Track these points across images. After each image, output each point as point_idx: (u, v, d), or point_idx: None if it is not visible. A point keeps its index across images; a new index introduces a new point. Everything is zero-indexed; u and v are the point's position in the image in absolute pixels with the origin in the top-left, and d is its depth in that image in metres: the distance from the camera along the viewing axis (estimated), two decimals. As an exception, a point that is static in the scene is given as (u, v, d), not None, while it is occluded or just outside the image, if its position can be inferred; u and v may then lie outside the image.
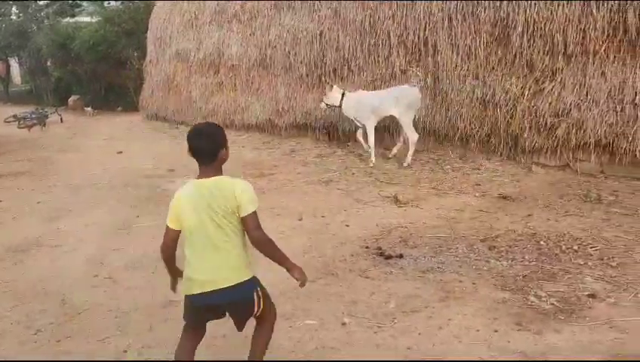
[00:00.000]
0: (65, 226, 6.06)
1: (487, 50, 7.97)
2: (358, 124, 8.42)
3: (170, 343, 3.64)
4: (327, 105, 8.51)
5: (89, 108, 17.00)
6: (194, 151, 2.74)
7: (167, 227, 2.80)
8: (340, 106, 8.36)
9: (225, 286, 2.70)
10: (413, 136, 8.02)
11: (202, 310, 2.83)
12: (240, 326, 2.94)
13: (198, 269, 2.74)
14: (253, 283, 2.81)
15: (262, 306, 2.84)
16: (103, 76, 17.77)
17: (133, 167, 8.86)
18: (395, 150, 8.47)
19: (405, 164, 8.05)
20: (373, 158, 8.21)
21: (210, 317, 2.92)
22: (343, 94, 8.36)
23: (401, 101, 7.92)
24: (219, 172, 2.76)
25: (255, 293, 2.80)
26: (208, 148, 2.73)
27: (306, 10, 10.22)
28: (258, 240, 2.73)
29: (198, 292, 2.72)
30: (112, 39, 16.69)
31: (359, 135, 8.46)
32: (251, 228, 2.71)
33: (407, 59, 8.90)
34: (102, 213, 6.53)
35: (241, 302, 2.81)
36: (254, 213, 2.70)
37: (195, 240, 2.73)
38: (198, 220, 2.69)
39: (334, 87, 8.58)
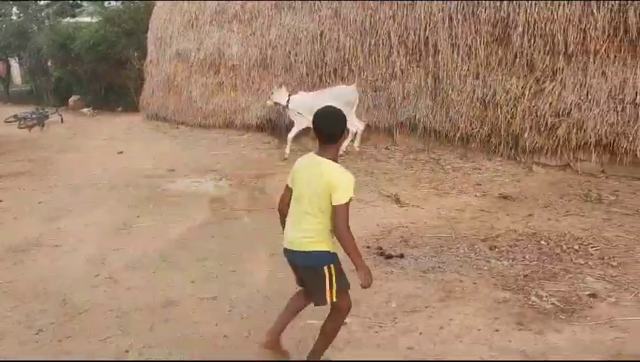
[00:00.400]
0: (65, 226, 6.06)
1: (487, 50, 7.96)
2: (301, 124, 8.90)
3: (171, 343, 3.65)
4: (274, 103, 9.20)
5: (86, 109, 16.94)
6: (318, 130, 2.99)
7: (286, 185, 3.16)
8: (287, 106, 8.99)
9: (300, 249, 3.01)
10: (360, 126, 8.94)
11: (289, 263, 3.15)
12: (309, 297, 3.18)
13: (289, 228, 3.09)
14: (326, 257, 2.99)
15: (333, 290, 2.98)
16: (104, 76, 17.74)
17: (133, 167, 8.86)
18: (343, 147, 8.90)
19: (356, 145, 8.99)
20: (287, 151, 8.92)
21: (297, 276, 3.20)
22: (289, 95, 9.08)
23: (339, 100, 7.88)
24: (334, 155, 3.00)
25: (326, 267, 2.97)
26: (331, 131, 3.00)
27: (306, 10, 10.21)
28: (338, 231, 2.91)
29: (285, 246, 3.09)
30: (113, 39, 16.67)
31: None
32: (337, 218, 2.90)
33: (407, 59, 8.90)
34: (102, 213, 6.53)
35: (311, 269, 3.04)
36: (344, 205, 2.87)
37: (295, 203, 3.07)
38: (299, 189, 3.03)
39: (283, 87, 9.26)
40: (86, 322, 3.96)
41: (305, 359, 3.32)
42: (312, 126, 3.03)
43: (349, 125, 8.48)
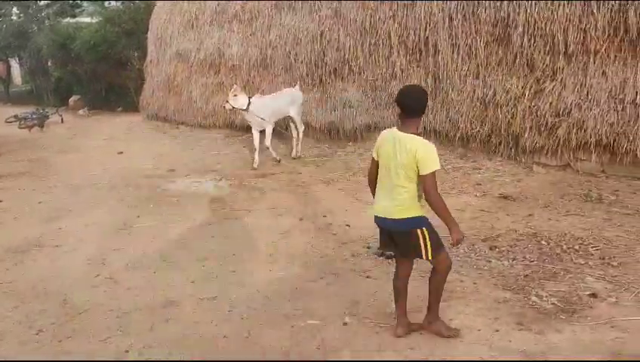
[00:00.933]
0: (65, 226, 6.06)
1: (487, 49, 7.95)
2: (259, 128, 8.66)
3: (171, 343, 3.65)
4: (233, 107, 8.55)
5: (82, 110, 16.72)
6: (403, 105, 3.31)
7: (372, 158, 3.52)
8: (247, 110, 8.48)
9: (392, 217, 3.35)
10: (302, 128, 9.10)
11: (380, 230, 3.54)
12: (404, 264, 3.56)
13: (378, 198, 3.48)
14: (416, 221, 3.32)
15: (428, 248, 3.31)
16: (104, 76, 17.71)
17: (133, 167, 8.86)
18: (296, 150, 9.15)
19: (297, 155, 9.05)
20: (257, 159, 8.60)
21: (390, 241, 3.53)
22: (249, 98, 8.59)
23: (291, 100, 8.84)
24: (415, 129, 3.29)
25: (419, 230, 3.30)
26: (414, 106, 3.30)
27: (306, 10, 10.20)
28: (428, 197, 3.23)
29: (376, 215, 3.46)
30: (113, 39, 16.65)
31: (257, 142, 8.65)
32: (426, 186, 3.21)
33: (407, 59, 8.88)
34: (102, 213, 6.53)
35: (405, 233, 3.37)
36: (432, 173, 3.18)
37: (381, 175, 3.42)
38: (385, 161, 3.36)
39: (243, 91, 8.84)
40: (86, 322, 3.96)
41: (306, 359, 3.33)
42: (396, 101, 3.35)
43: (299, 126, 9.03)
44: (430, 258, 3.35)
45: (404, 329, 3.56)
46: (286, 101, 8.84)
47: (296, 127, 9.09)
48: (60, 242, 5.59)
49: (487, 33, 7.90)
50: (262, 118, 8.50)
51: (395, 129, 3.35)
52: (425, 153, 3.18)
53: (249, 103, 8.43)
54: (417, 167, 3.19)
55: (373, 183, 3.55)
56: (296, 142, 9.15)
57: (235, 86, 8.83)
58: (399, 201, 3.30)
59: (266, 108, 8.55)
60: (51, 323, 3.96)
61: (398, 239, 3.45)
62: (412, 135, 3.25)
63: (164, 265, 4.95)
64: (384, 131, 3.48)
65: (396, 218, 3.34)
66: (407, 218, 3.31)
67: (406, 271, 3.58)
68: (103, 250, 5.33)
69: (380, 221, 3.46)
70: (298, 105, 8.98)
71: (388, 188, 3.35)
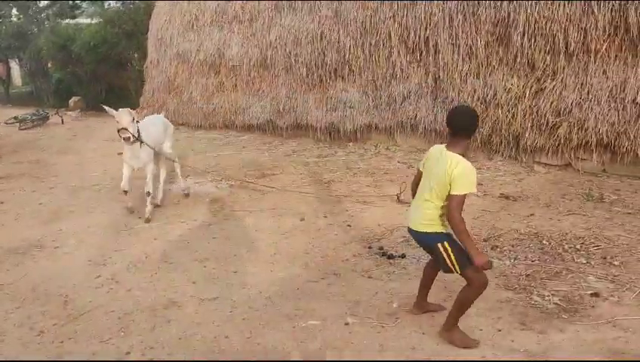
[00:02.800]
0: (66, 227, 6.05)
1: (488, 49, 7.96)
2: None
3: (172, 344, 3.65)
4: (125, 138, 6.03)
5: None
6: (450, 125, 3.34)
7: (417, 168, 3.62)
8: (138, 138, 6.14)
9: (417, 230, 3.47)
10: (178, 164, 7.23)
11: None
12: (436, 269, 3.64)
13: (411, 207, 3.59)
14: (437, 236, 3.37)
15: (453, 262, 3.31)
16: (104, 77, 17.71)
17: (134, 168, 8.83)
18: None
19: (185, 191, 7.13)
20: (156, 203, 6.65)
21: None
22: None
23: (167, 130, 7.16)
24: (463, 149, 3.29)
25: (440, 245, 3.35)
26: (461, 126, 3.30)
27: (306, 10, 10.20)
28: (450, 218, 3.24)
29: (408, 225, 3.56)
30: (113, 40, 16.64)
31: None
32: (450, 206, 3.22)
33: (408, 59, 8.89)
34: (103, 214, 6.52)
35: (428, 246, 3.52)
36: (459, 196, 3.18)
37: (420, 187, 3.51)
38: (426, 174, 3.45)
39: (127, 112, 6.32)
40: (88, 323, 3.96)
41: (307, 359, 3.32)
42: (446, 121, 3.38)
43: (173, 158, 7.00)
44: (458, 272, 3.35)
45: (419, 310, 3.82)
46: (160, 128, 6.92)
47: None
48: (60, 243, 5.58)
49: (487, 33, 7.90)
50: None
51: (444, 146, 3.37)
52: (461, 173, 3.18)
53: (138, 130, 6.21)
54: (450, 186, 3.20)
55: (414, 192, 3.64)
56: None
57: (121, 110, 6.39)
58: (425, 215, 3.38)
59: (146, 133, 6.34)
60: (53, 325, 3.95)
61: (426, 250, 3.62)
62: (455, 154, 3.25)
63: (166, 265, 4.94)
64: (434, 146, 3.54)
65: (419, 231, 3.45)
66: (428, 232, 3.39)
67: (434, 269, 3.73)
68: (104, 250, 5.32)
69: (409, 230, 3.56)
70: (170, 133, 7.23)
71: (420, 200, 3.44)
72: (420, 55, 8.74)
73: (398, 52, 8.94)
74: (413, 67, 8.86)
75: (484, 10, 7.87)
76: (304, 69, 10.21)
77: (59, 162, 9.67)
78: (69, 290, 4.49)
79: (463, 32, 8.13)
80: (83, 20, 20.87)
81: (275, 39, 10.69)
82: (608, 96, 6.88)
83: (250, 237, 5.59)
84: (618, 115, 6.81)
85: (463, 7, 8.09)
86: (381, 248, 5.07)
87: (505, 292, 4.12)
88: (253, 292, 4.34)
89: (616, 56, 6.89)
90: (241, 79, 11.52)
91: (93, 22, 19.23)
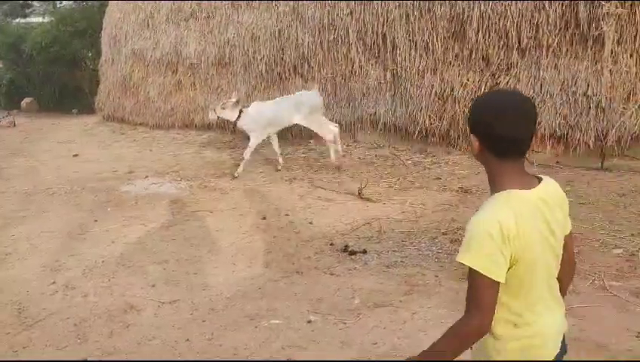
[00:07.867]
0: (18, 233, 5.85)
1: (444, 45, 8.06)
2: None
3: (131, 349, 3.57)
4: (218, 117, 7.99)
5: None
6: (514, 142, 1.77)
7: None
8: (236, 123, 7.84)
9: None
10: (334, 130, 7.81)
11: None
12: None
13: (547, 319, 1.87)
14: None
15: None
16: (57, 78, 17.22)
17: (89, 170, 8.61)
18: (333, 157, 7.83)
19: (337, 160, 7.80)
20: (241, 169, 7.79)
21: None
22: (240, 111, 7.75)
23: (302, 108, 7.70)
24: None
25: None
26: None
27: (264, 7, 10.13)
28: (575, 266, 2.02)
29: (555, 345, 1.87)
30: (65, 39, 16.16)
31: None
32: (572, 251, 1.94)
33: (366, 55, 8.93)
34: (57, 218, 6.33)
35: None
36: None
37: (528, 280, 1.79)
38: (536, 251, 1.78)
39: (238, 105, 7.80)
40: (43, 331, 3.84)
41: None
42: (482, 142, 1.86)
43: (319, 132, 7.79)
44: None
45: None
46: (289, 107, 7.76)
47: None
48: (12, 249, 5.39)
49: (443, 29, 8.00)
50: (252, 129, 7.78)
51: (505, 195, 2.04)
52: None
53: (239, 116, 7.72)
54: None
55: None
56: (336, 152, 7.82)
57: (233, 99, 7.87)
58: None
59: (262, 116, 7.72)
60: (6, 334, 3.82)
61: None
62: (548, 178, 1.89)
63: (123, 269, 4.83)
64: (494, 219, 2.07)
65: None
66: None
67: None
68: (59, 256, 5.16)
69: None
70: (307, 110, 7.72)
71: (550, 293, 1.94)
72: (378, 52, 8.79)
73: (357, 49, 8.98)
74: (372, 64, 8.90)
75: (439, 7, 7.97)
76: (263, 66, 10.14)
77: (10, 166, 9.34)
78: (23, 298, 4.34)
79: (419, 28, 8.21)
80: (34, 19, 20.23)
81: (233, 37, 10.59)
82: (560, 90, 7.07)
83: (210, 238, 5.52)
84: (570, 108, 7.00)
85: (419, 4, 8.17)
86: (346, 246, 5.07)
87: (464, 284, 4.16)
88: (214, 294, 4.29)
89: (567, 50, 7.08)
90: (199, 77, 11.36)
91: (45, 20, 18.67)
